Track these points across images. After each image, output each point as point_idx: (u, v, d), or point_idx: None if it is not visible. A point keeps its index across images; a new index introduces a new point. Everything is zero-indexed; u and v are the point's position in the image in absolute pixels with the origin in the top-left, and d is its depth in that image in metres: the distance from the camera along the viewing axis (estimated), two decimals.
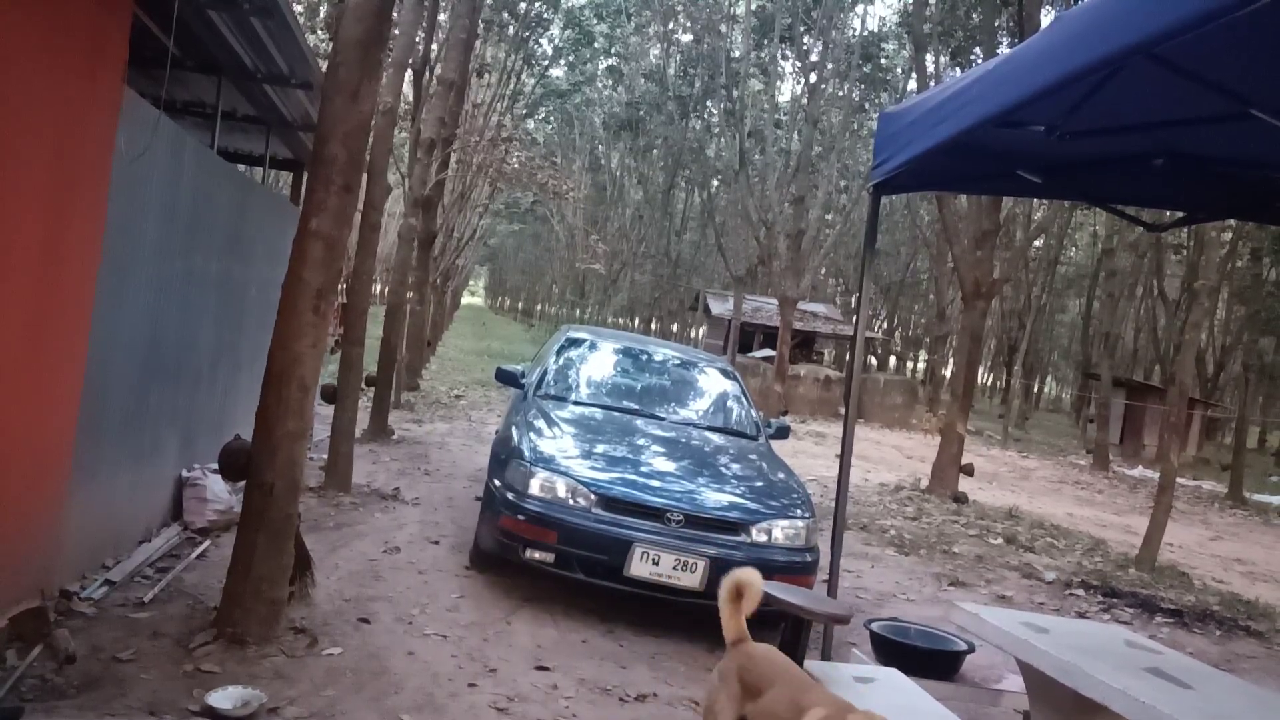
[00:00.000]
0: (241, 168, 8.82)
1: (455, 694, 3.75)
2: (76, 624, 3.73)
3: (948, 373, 26.80)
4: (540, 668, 4.18)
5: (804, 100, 21.83)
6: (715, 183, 29.43)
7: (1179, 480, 12.40)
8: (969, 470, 13.40)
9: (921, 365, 40.64)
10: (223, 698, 3.26)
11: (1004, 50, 12.93)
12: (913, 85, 20.06)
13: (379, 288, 26.83)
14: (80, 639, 3.57)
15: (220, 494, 5.48)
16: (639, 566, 4.78)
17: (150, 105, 4.32)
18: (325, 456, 7.09)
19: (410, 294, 12.02)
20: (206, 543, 5.15)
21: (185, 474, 5.47)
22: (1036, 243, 24.59)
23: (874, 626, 4.20)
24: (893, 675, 3.58)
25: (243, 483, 4.21)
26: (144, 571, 4.53)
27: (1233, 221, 13.97)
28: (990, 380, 45.44)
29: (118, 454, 4.49)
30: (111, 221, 3.90)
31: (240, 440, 5.43)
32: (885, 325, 38.81)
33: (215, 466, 5.55)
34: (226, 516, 5.32)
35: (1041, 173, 4.18)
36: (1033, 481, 15.57)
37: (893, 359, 41.76)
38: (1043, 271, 30.31)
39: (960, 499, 11.06)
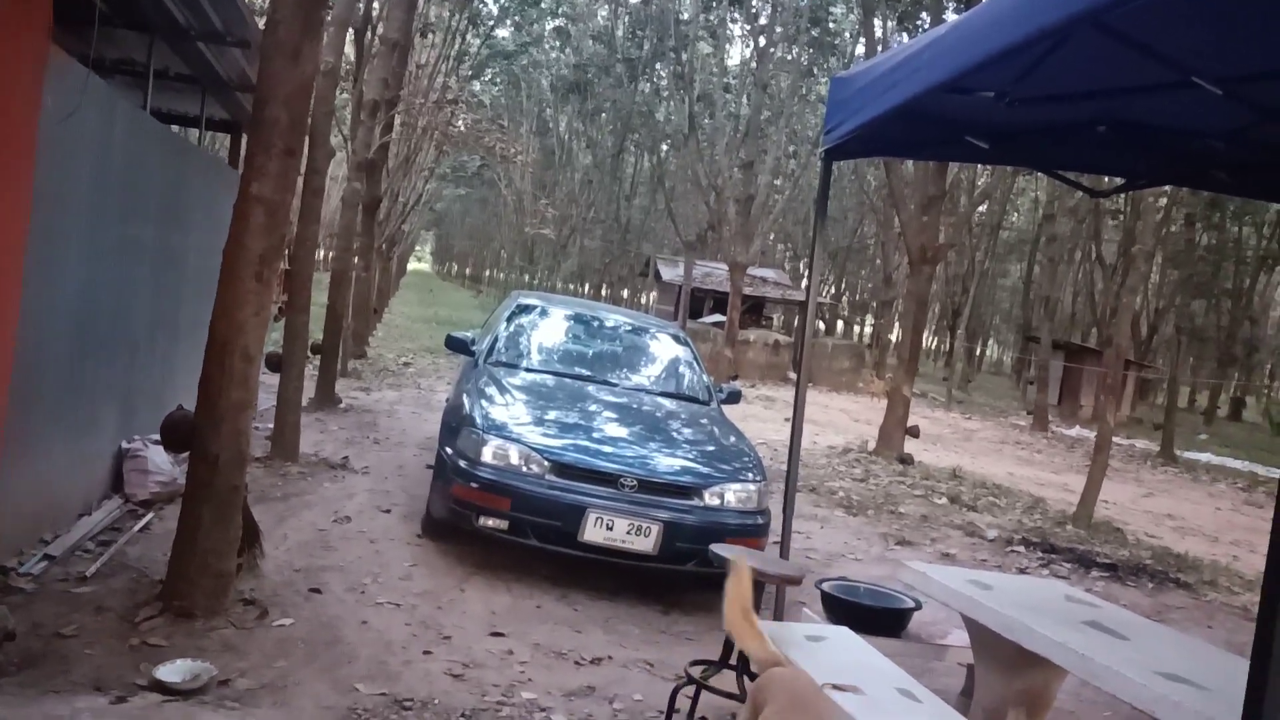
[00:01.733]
0: (176, 129, 8.52)
1: (410, 662, 3.74)
2: (15, 600, 3.63)
3: (894, 337, 27.26)
4: (495, 634, 4.20)
5: (753, 64, 21.77)
6: (665, 147, 29.28)
7: (1114, 439, 12.82)
8: (914, 432, 13.68)
9: (868, 330, 41.26)
10: (171, 671, 3.21)
11: (950, 16, 13.02)
12: (861, 50, 20.11)
13: (323, 254, 26.27)
14: (20, 615, 3.47)
15: (162, 465, 5.35)
16: (593, 532, 4.80)
17: (79, 63, 4.13)
18: (271, 426, 6.96)
19: (355, 260, 11.79)
20: (149, 515, 5.04)
21: (125, 445, 5.33)
22: (980, 208, 24.99)
23: (824, 586, 4.28)
24: (843, 633, 3.66)
25: (186, 454, 4.12)
26: (85, 545, 4.42)
27: (1168, 188, 14.34)
28: (935, 344, 46.33)
29: (53, 427, 4.35)
30: (39, 186, 3.74)
31: (183, 411, 5.31)
32: (833, 290, 39.26)
33: (157, 438, 5.43)
34: (169, 488, 5.21)
35: (989, 139, 4.23)
36: (975, 442, 15.97)
37: (840, 324, 42.32)
38: (986, 237, 30.88)
39: (906, 460, 11.30)
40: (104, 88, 4.53)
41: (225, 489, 3.89)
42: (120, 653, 3.39)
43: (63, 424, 4.49)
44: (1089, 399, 23.70)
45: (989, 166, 16.11)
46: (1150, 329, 28.80)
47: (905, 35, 16.64)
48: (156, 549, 4.39)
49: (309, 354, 8.35)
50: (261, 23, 4.63)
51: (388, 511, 5.89)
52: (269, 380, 7.41)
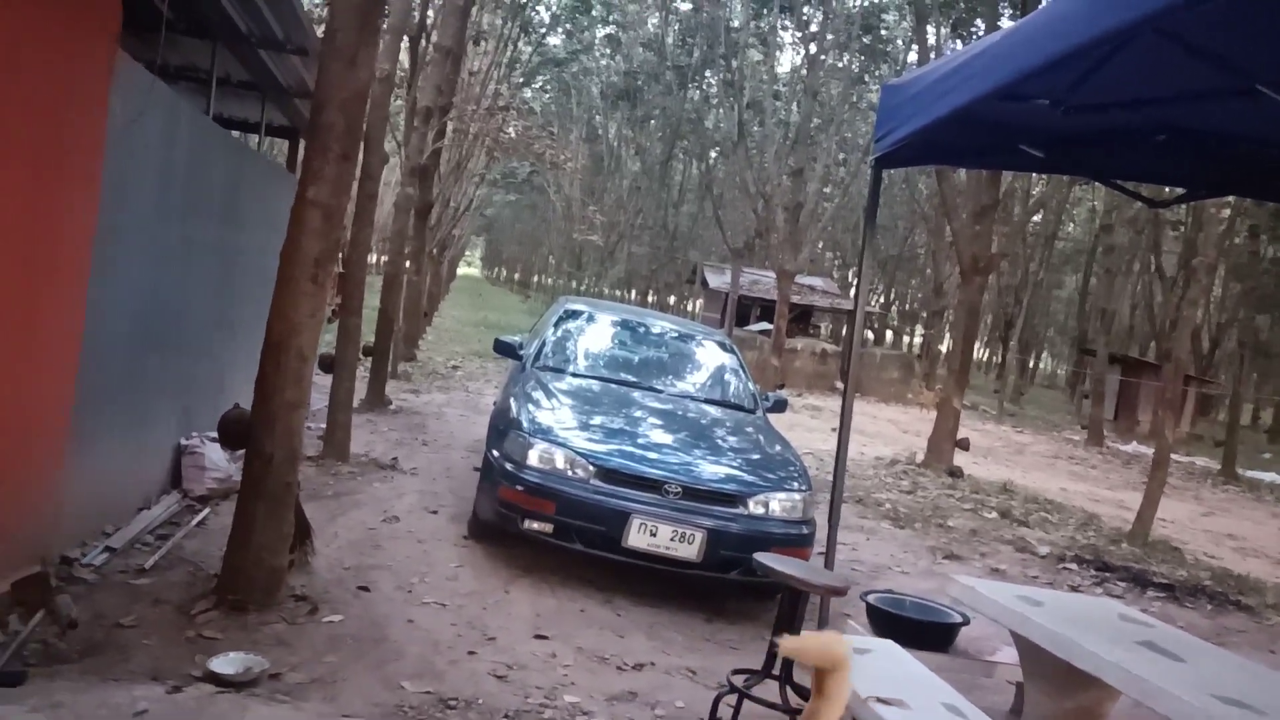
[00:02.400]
0: (237, 134, 8.75)
1: (455, 661, 3.78)
2: (78, 590, 3.74)
3: (944, 348, 26.86)
4: (539, 636, 4.22)
5: (803, 71, 21.65)
6: (713, 154, 29.23)
7: (1173, 456, 12.47)
8: (964, 445, 13.47)
9: (918, 340, 40.69)
10: (225, 663, 3.29)
11: (1006, 23, 12.83)
12: (913, 57, 19.91)
13: (376, 258, 26.70)
14: (82, 605, 3.59)
15: (219, 462, 5.49)
16: (637, 537, 4.81)
17: (145, 70, 4.27)
18: (323, 426, 7.10)
19: (407, 264, 11.98)
20: (206, 510, 5.17)
21: (184, 442, 5.47)
22: (1035, 218, 24.52)
23: (870, 599, 4.23)
24: (888, 647, 3.62)
25: (241, 451, 4.22)
26: (144, 539, 4.55)
27: (1231, 198, 13.92)
28: (986, 355, 45.53)
29: (116, 422, 4.49)
30: (106, 187, 3.87)
31: (239, 409, 5.44)
32: (882, 300, 38.82)
33: (214, 435, 5.57)
34: (225, 485, 5.33)
35: (1044, 147, 4.15)
36: (1027, 456, 15.65)
37: (889, 333, 41.82)
38: (1040, 247, 30.26)
39: (955, 473, 11.12)
40: (169, 93, 4.68)
41: (279, 486, 3.98)
42: (176, 644, 3.49)
43: (125, 419, 4.63)
44: (1147, 414, 23.08)
45: (1044, 175, 15.81)
46: (1212, 343, 27.97)
47: (959, 42, 16.43)
48: (212, 544, 4.50)
49: (361, 356, 8.49)
50: (320, 30, 4.74)
51: (435, 512, 5.96)
52: (322, 381, 7.54)
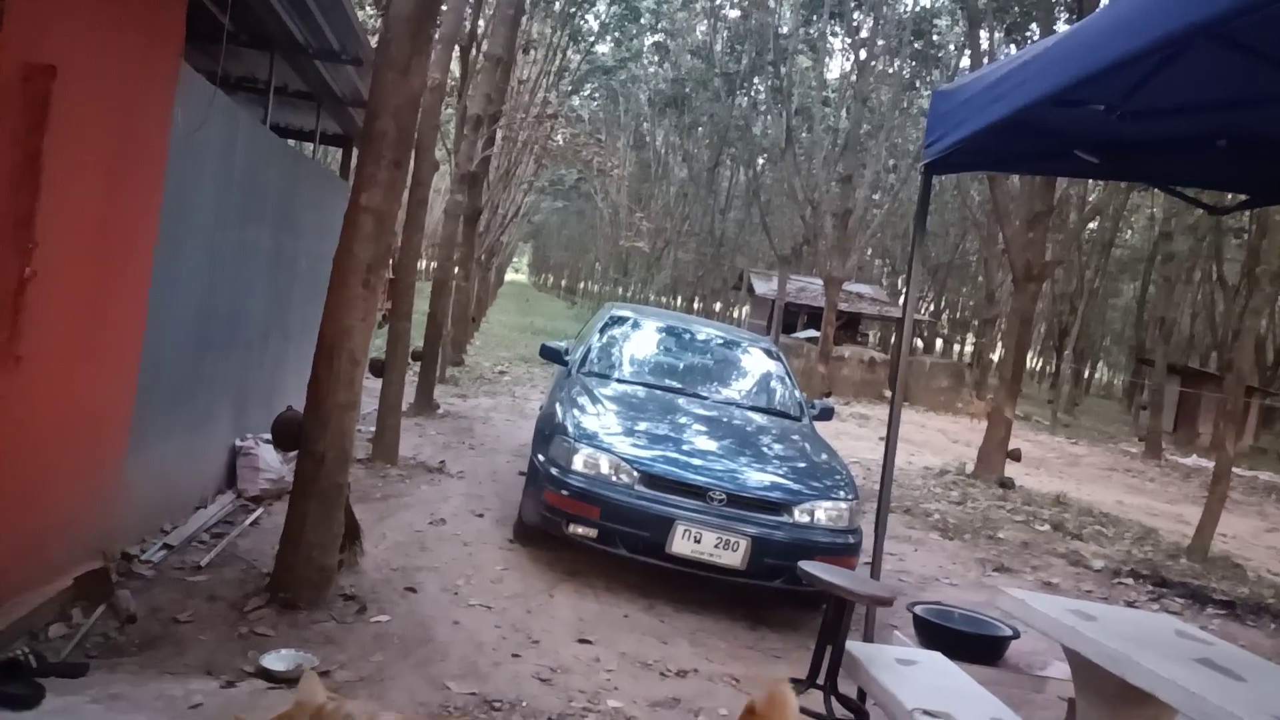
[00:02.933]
0: (292, 143, 8.94)
1: (499, 663, 3.82)
2: (137, 585, 3.85)
3: (996, 356, 26.39)
4: (582, 640, 4.24)
5: (853, 77, 21.48)
6: (761, 160, 29.15)
7: (1235, 470, 12.09)
8: (1016, 455, 13.22)
9: (968, 348, 40.05)
10: (276, 660, 3.36)
11: (1061, 27, 12.59)
12: (966, 62, 19.63)
13: (425, 264, 27.06)
14: (140, 600, 3.69)
15: (272, 463, 5.61)
16: (681, 544, 4.81)
17: (206, 80, 4.39)
18: (373, 429, 7.21)
19: (456, 270, 12.13)
20: (259, 510, 5.29)
21: (238, 443, 5.61)
22: (1091, 225, 24.01)
23: (917, 610, 4.17)
24: (935, 658, 3.57)
25: (294, 452, 4.31)
26: (200, 536, 4.67)
27: None
28: (1040, 365, 44.63)
29: (174, 423, 4.62)
30: (168, 195, 3.99)
31: (292, 411, 5.55)
32: (932, 307, 38.26)
33: (267, 436, 5.69)
34: (278, 485, 5.45)
35: (1099, 153, 4.07)
36: (1082, 468, 15.30)
37: (939, 341, 41.20)
38: (1097, 254, 29.59)
39: (1006, 484, 10.92)
40: (229, 103, 4.80)
41: (330, 487, 4.05)
42: (230, 639, 3.57)
43: (183, 421, 4.76)
44: (1207, 426, 22.42)
45: (1100, 181, 15.47)
46: (1276, 354, 27.09)
47: (1013, 47, 16.17)
48: (265, 542, 4.60)
49: (410, 360, 8.62)
50: (374, 41, 4.83)
51: (481, 515, 6.02)
52: (372, 385, 7.66)
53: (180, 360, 4.58)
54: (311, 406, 4.08)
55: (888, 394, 20.23)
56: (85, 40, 3.22)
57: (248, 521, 5.07)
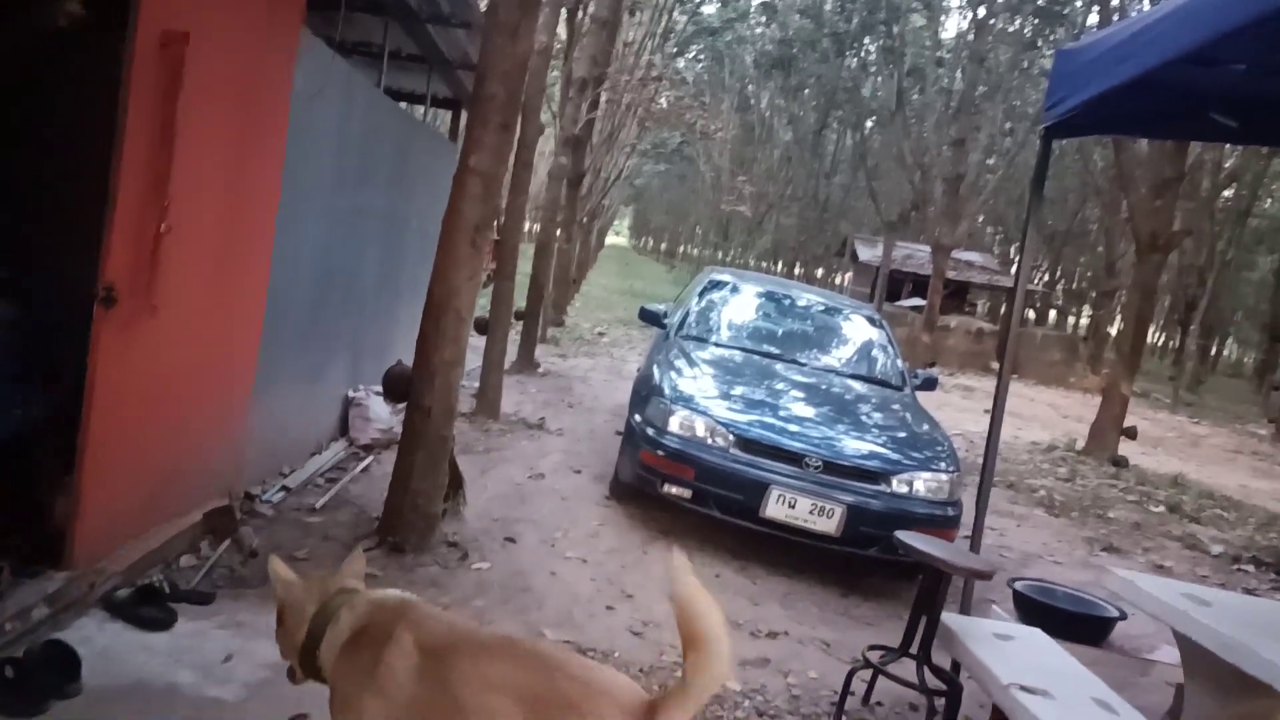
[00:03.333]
0: (404, 106, 9.17)
1: (593, 615, 3.92)
2: (258, 523, 4.11)
3: (1114, 330, 25.15)
4: None
5: (970, 36, 20.57)
6: (869, 123, 28.33)
7: None
8: (1131, 433, 12.63)
9: (1084, 321, 38.27)
10: None
11: None
12: (1094, 19, 18.53)
13: (529, 226, 27.44)
14: (261, 537, 3.94)
15: (382, 414, 5.85)
16: (775, 508, 4.81)
17: (325, 45, 4.55)
18: (477, 385, 7.42)
19: (558, 232, 12.27)
20: (370, 458, 5.54)
21: (351, 394, 5.87)
22: (1226, 192, 22.47)
23: (1018, 585, 4.07)
24: (1035, 635, 3.49)
25: (403, 405, 4.49)
26: (315, 481, 4.93)
27: None
28: (1162, 339, 42.31)
29: (293, 372, 4.87)
30: (290, 157, 4.16)
31: (401, 365, 5.77)
32: (1046, 277, 36.65)
33: (378, 389, 5.94)
34: (387, 435, 5.69)
35: (1238, 116, 3.80)
36: (1203, 449, 14.52)
37: (1052, 313, 39.49)
38: (1231, 224, 27.73)
39: (1120, 463, 10.47)
40: (345, 68, 4.96)
41: (435, 439, 4.22)
42: None
43: (301, 371, 5.01)
44: None
45: (1237, 146, 14.46)
46: None
47: (1146, 2, 15.16)
48: (375, 489, 4.83)
49: (513, 320, 8.81)
50: (484, 4, 4.90)
51: (579, 472, 6.15)
52: (476, 342, 7.88)
53: (300, 314, 4.81)
54: (419, 362, 4.24)
55: (995, 366, 19.57)
56: (215, 7, 3.38)
57: (359, 468, 5.32)
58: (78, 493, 3.00)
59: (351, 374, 5.89)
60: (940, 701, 3.37)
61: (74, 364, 2.97)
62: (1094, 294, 33.41)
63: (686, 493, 4.98)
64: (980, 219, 30.34)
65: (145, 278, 3.07)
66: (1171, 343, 37.68)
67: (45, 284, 3.37)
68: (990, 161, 21.93)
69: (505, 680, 1.77)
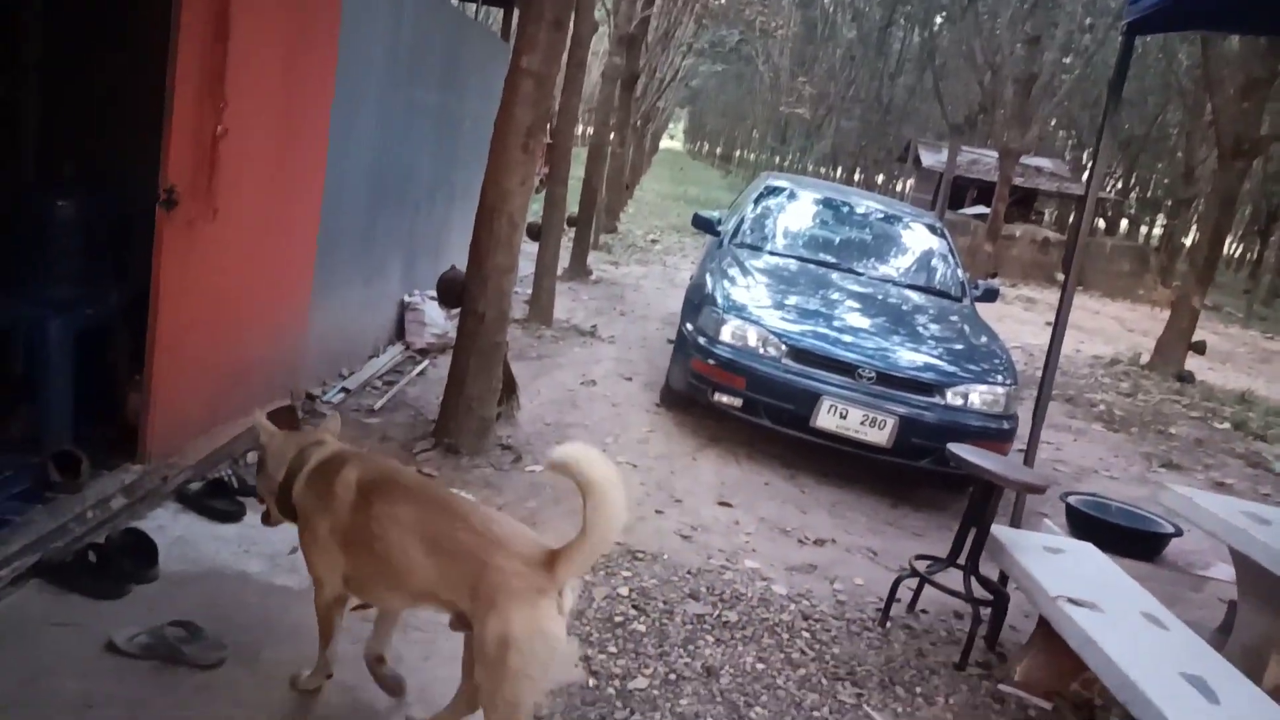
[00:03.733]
0: (456, 3, 8.97)
1: (643, 518, 4.00)
2: (319, 423, 4.23)
3: (1188, 241, 24.15)
4: (723, 503, 4.37)
5: None
6: (938, 20, 26.97)
7: None
8: (1200, 348, 12.26)
9: (1157, 232, 36.77)
10: None
11: None
12: None
13: (581, 129, 27.01)
14: None
15: (436, 319, 5.93)
16: (826, 419, 4.81)
17: None
18: (529, 291, 7.46)
19: (612, 136, 12.06)
20: (425, 362, 5.64)
21: (407, 298, 5.94)
22: None
23: (1071, 499, 4.04)
24: (1086, 549, 3.48)
25: (457, 310, 4.53)
26: (373, 383, 5.05)
27: None
28: (1239, 251, 40.54)
29: (350, 276, 4.93)
30: (342, 56, 4.12)
31: (455, 270, 5.80)
32: (1119, 185, 35.12)
33: (433, 294, 5.99)
34: (442, 340, 5.78)
35: None
36: (1275, 365, 14.05)
37: (1124, 222, 37.98)
38: None
39: (1185, 378, 10.20)
40: None
41: (489, 344, 4.26)
42: None
43: (358, 274, 5.07)
44: None
45: None
46: None
47: None
48: (430, 392, 4.93)
49: (565, 225, 8.76)
50: None
51: (630, 379, 6.20)
52: (529, 248, 7.88)
53: (355, 217, 4.84)
54: (472, 267, 4.26)
55: (1059, 277, 19.00)
56: None
57: (415, 372, 5.43)
58: (149, 390, 3.11)
59: (407, 278, 5.95)
60: (986, 611, 3.40)
61: (143, 265, 3.04)
62: (1169, 203, 31.98)
63: (737, 402, 4.99)
64: (1052, 123, 29.00)
65: (205, 180, 3.10)
66: (1249, 255, 36.12)
67: (114, 185, 3.43)
68: (1066, 60, 20.78)
69: (412, 521, 2.08)
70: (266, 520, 2.41)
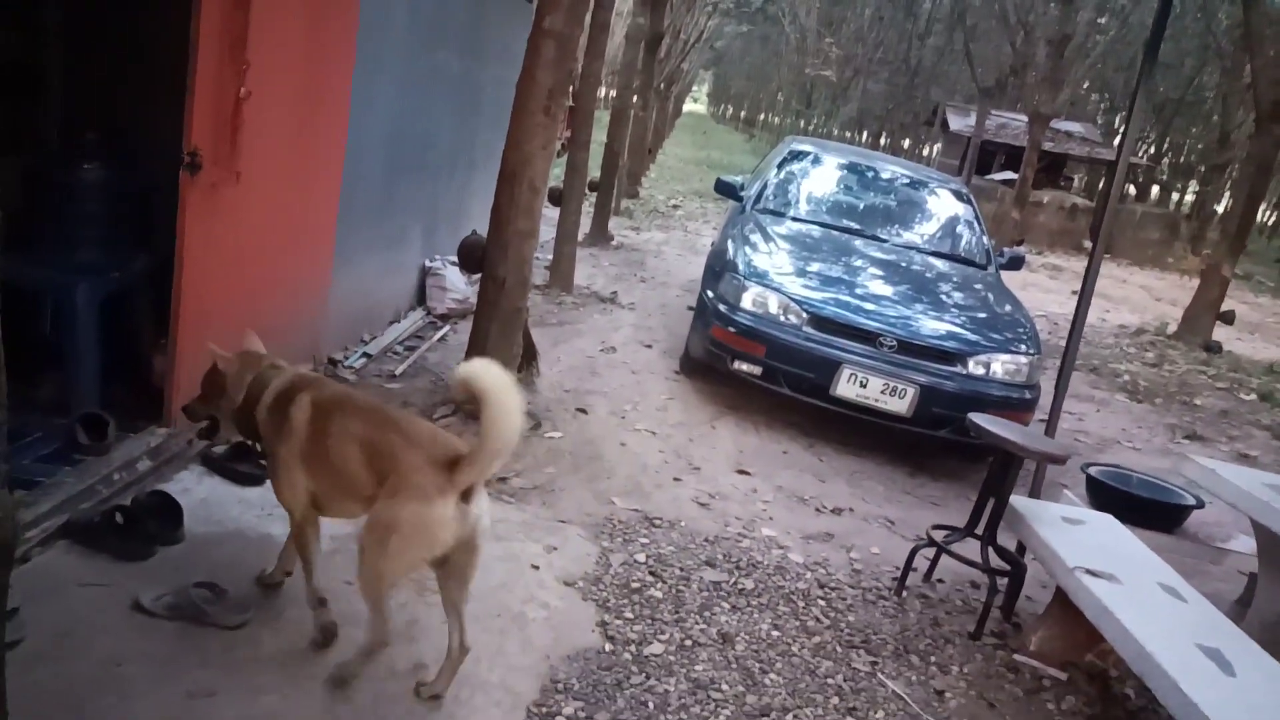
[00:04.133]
0: None
1: (661, 485, 4.03)
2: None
3: (1220, 208, 23.67)
4: (741, 472, 4.38)
5: None
6: None
7: None
8: (1228, 318, 12.07)
9: (1189, 198, 36.04)
10: None
11: None
12: None
13: (604, 92, 26.74)
14: None
15: (457, 284, 5.94)
16: (845, 387, 4.79)
17: None
18: (550, 257, 7.45)
19: (635, 99, 11.94)
20: (446, 328, 5.67)
21: (428, 264, 5.96)
22: None
23: (1091, 470, 4.01)
24: (1106, 520, 3.46)
25: (478, 275, 4.54)
26: (394, 348, 5.08)
27: None
28: (1274, 219, 39.70)
29: (371, 240, 4.94)
30: (364, 20, 4.09)
31: (476, 235, 5.80)
32: (1152, 150, 34.39)
33: (454, 259, 6.00)
34: (463, 305, 5.80)
35: None
36: None
37: (1155, 189, 37.26)
38: None
39: (1212, 348, 10.06)
40: None
41: (509, 309, 4.27)
42: None
43: (379, 239, 5.08)
44: None
45: None
46: None
47: None
48: (451, 357, 4.96)
49: (586, 191, 8.71)
50: None
51: (649, 346, 6.20)
52: (550, 214, 7.86)
53: (376, 182, 4.83)
54: (493, 233, 4.25)
55: (1087, 245, 18.72)
56: None
57: (436, 337, 5.46)
58: (174, 353, 3.15)
59: (428, 243, 5.95)
60: (1002, 581, 3.40)
61: (168, 229, 3.06)
62: (1202, 169, 31.30)
63: (757, 369, 4.98)
64: (1084, 85, 28.37)
65: (228, 143, 3.10)
66: None
67: (138, 150, 3.44)
68: (1101, 21, 20.29)
69: (356, 432, 2.29)
70: (203, 435, 2.66)
